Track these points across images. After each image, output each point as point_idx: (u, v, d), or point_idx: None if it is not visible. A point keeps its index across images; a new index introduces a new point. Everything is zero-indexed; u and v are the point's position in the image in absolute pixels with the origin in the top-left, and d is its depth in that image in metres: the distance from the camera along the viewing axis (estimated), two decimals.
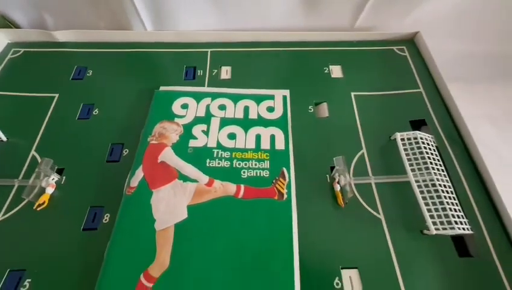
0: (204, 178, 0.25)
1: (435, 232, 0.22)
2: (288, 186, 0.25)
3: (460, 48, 0.36)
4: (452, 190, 0.24)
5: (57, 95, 0.31)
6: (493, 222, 0.23)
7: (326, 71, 0.33)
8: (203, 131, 0.28)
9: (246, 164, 0.26)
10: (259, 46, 0.35)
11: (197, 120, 0.29)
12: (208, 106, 0.30)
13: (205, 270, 0.21)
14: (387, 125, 0.28)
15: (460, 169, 0.26)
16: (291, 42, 0.35)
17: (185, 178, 0.25)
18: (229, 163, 0.26)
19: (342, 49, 0.35)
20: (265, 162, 0.26)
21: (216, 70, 0.33)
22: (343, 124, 0.29)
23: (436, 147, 0.27)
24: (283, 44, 0.35)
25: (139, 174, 0.25)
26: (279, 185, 0.25)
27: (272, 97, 0.31)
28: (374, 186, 0.25)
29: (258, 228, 0.23)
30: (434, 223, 0.22)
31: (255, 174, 0.25)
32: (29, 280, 0.21)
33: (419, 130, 0.27)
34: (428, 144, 0.26)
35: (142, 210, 0.23)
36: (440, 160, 0.26)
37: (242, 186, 0.24)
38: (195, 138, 0.27)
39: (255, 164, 0.26)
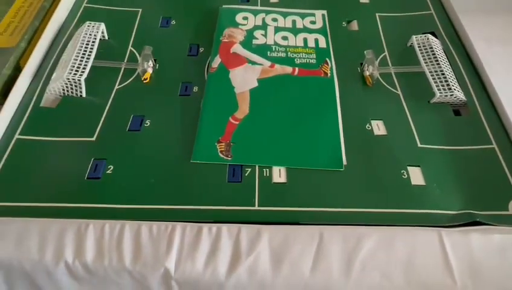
0: (268, 62, 0.33)
1: (438, 95, 0.30)
2: (331, 70, 0.33)
3: None
4: (454, 75, 0.33)
5: (140, 10, 0.39)
6: (481, 93, 0.31)
7: None
8: (262, 34, 0.36)
9: (297, 55, 0.34)
10: None
11: (256, 27, 0.37)
12: (263, 19, 0.37)
13: (273, 116, 0.30)
14: (405, 37, 0.36)
15: (460, 64, 0.34)
16: None
17: (253, 63, 0.33)
18: (284, 54, 0.34)
19: None
20: (312, 54, 0.34)
21: None
22: (369, 35, 0.37)
23: (443, 50, 0.35)
24: None
25: (218, 59, 0.33)
26: (324, 68, 0.33)
27: (313, 14, 0.38)
28: (393, 74, 0.33)
29: (310, 94, 0.31)
30: (439, 90, 0.30)
31: (305, 61, 0.34)
32: (149, 120, 0.29)
33: None
34: (437, 46, 0.34)
35: (224, 81, 0.32)
36: (446, 57, 0.34)
37: (296, 68, 0.33)
38: (256, 38, 0.35)
39: (305, 55, 0.34)
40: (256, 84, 0.32)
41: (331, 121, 0.29)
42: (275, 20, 0.37)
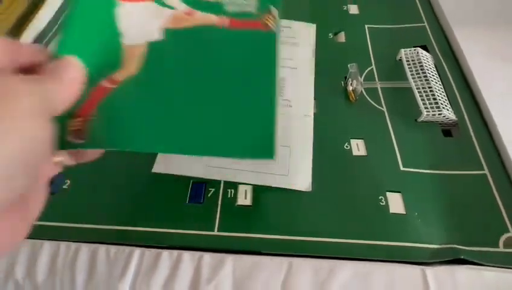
0: (183, 5, 0.22)
1: (425, 114, 0.28)
2: (277, 23, 0.23)
3: None
4: (444, 92, 0.30)
5: None
6: (474, 112, 0.29)
7: (344, 8, 0.39)
8: None
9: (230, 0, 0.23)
10: None
11: None
12: None
13: (173, 82, 0.20)
14: (394, 50, 0.34)
15: (453, 80, 0.31)
16: None
17: (162, 3, 0.22)
18: None
19: None
20: (252, 0, 0.23)
21: None
22: (357, 48, 0.35)
23: (435, 65, 0.33)
24: None
25: None
26: (266, 18, 0.23)
27: None
28: (379, 89, 0.31)
29: (239, 54, 0.21)
30: (426, 109, 0.28)
31: (240, 10, 0.23)
32: None
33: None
34: (427, 61, 0.32)
35: (105, 19, 0.19)
36: (437, 73, 0.32)
37: (225, 16, 0.23)
38: None
39: (241, 1, 0.23)
40: (158, 35, 0.21)
41: (262, 93, 0.20)
42: None
